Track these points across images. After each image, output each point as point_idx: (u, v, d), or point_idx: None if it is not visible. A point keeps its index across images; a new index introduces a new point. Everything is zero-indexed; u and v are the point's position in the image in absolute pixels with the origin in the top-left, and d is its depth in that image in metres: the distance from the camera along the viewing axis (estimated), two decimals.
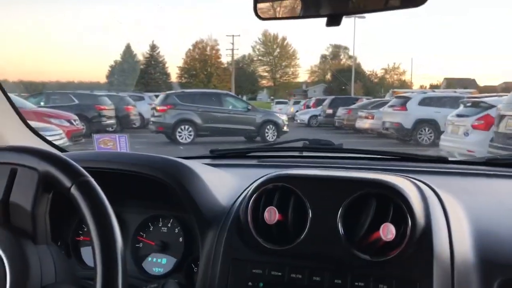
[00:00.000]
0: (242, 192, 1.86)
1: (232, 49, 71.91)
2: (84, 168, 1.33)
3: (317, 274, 1.52)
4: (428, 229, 1.49)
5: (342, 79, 66.32)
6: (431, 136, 15.61)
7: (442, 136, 11.28)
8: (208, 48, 75.19)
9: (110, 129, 17.08)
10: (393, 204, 1.52)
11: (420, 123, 15.72)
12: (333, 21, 1.51)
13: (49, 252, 1.31)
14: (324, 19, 1.54)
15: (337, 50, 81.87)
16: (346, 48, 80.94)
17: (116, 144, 2.88)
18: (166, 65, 69.89)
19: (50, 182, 1.30)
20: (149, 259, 1.97)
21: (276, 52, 79.03)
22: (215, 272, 1.62)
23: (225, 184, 1.93)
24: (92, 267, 1.20)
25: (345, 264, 1.50)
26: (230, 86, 70.01)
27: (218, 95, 17.50)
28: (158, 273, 1.94)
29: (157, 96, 18.84)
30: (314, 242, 1.54)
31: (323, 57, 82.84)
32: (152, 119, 16.52)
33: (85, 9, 73.67)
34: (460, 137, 10.34)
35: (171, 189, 1.77)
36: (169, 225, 1.99)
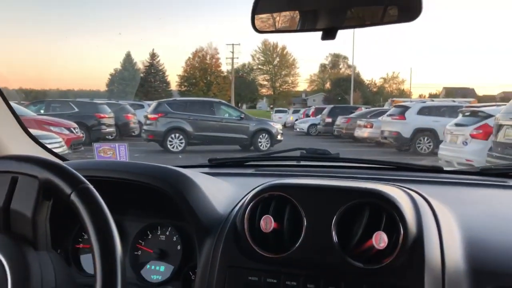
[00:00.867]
0: (240, 201, 1.86)
1: (232, 58, 71.24)
2: (84, 176, 1.33)
3: (312, 281, 1.53)
4: (419, 238, 1.51)
5: (340, 90, 66.06)
6: (429, 145, 15.53)
7: (441, 146, 11.20)
8: (208, 57, 74.61)
9: (110, 137, 16.98)
10: (386, 213, 1.54)
11: (419, 132, 15.65)
12: (328, 35, 1.54)
13: (49, 258, 1.31)
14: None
15: (336, 59, 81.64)
16: (345, 57, 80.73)
17: (116, 153, 2.88)
18: (166, 74, 69.40)
19: (50, 190, 1.31)
20: (148, 266, 1.97)
21: (276, 61, 78.45)
22: (212, 280, 1.63)
23: (223, 193, 1.94)
24: (92, 275, 1.20)
25: (339, 271, 1.51)
26: (230, 95, 69.41)
27: (211, 103, 17.17)
28: (156, 281, 1.94)
29: None
30: (309, 250, 1.55)
31: (323, 66, 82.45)
32: (144, 127, 16.33)
33: (87, 17, 73.75)
34: (458, 147, 10.29)
35: (169, 198, 1.78)
36: (167, 233, 2.00)
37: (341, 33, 1.56)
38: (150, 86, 65.93)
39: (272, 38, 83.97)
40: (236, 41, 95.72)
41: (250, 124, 16.40)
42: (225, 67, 78.84)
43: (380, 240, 1.49)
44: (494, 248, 1.50)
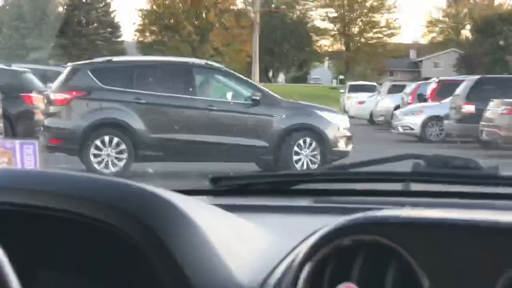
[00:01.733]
0: (285, 258, 1.30)
1: None
2: None
3: None
4: None
5: (496, 42, 37.20)
6: None
7: None
8: None
9: None
10: None
11: None
12: None
13: None
14: None
15: None
16: None
17: (16, 158, 2.25)
18: (112, 8, 54.99)
19: None
20: None
21: None
22: None
23: (248, 244, 1.34)
24: None
25: None
26: (249, 52, 58.33)
27: (187, 69, 12.15)
28: None
29: None
30: None
31: None
32: (45, 121, 12.08)
33: None
34: None
35: (136, 249, 1.21)
36: None
37: None
38: (79, 34, 53.16)
39: None
40: None
41: (275, 115, 11.85)
42: None
43: None
44: None
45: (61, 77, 12.31)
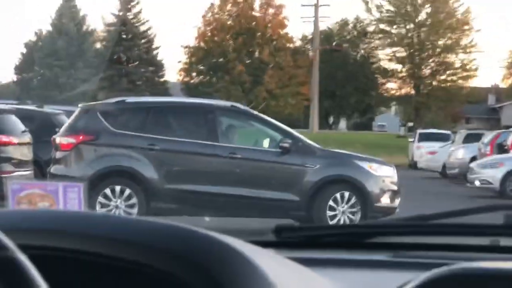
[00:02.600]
0: None
1: (316, 5, 59.03)
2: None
3: None
4: None
5: None
6: None
7: None
8: (257, 5, 62.10)
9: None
10: None
11: None
12: None
13: None
14: None
15: None
16: None
17: (58, 202, 2.28)
18: (156, 45, 55.48)
19: None
20: None
21: (424, 13, 61.59)
22: None
23: None
24: None
25: None
26: (307, 95, 58.32)
27: (210, 112, 12.12)
28: None
29: None
30: None
31: None
32: (51, 168, 11.99)
33: None
34: None
35: None
36: None
37: None
38: (119, 73, 53.37)
39: None
40: None
41: (308, 166, 11.79)
42: (296, 31, 64.35)
43: None
44: None
45: (70, 119, 12.44)
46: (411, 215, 2.44)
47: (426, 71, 62.51)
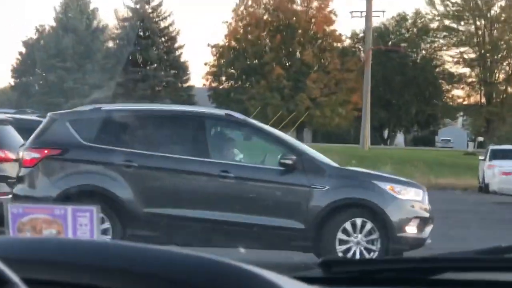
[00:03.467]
0: None
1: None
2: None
3: None
4: None
5: None
6: None
7: None
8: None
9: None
10: None
11: None
12: None
13: None
14: None
15: None
16: None
17: (67, 229, 2.39)
18: (178, 44, 52.90)
19: None
20: None
21: (497, 6, 60.52)
22: None
23: None
24: None
25: None
26: (357, 104, 57.41)
27: (200, 122, 12.65)
28: None
29: None
30: None
31: None
32: (14, 189, 12.52)
33: None
34: None
35: None
36: None
37: None
38: (134, 78, 52.57)
39: None
40: None
41: (316, 187, 12.06)
42: (345, 28, 64.71)
43: None
44: None
45: (36, 130, 12.58)
46: (483, 247, 2.55)
47: (500, 76, 62.47)
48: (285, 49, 63.99)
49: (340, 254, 11.83)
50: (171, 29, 60.44)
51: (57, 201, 11.63)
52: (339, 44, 66.59)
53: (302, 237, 11.87)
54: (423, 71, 68.46)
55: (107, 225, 11.75)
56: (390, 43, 70.04)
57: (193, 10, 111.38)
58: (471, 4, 62.55)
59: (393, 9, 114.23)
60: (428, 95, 68.09)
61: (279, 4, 63.73)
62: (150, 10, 58.91)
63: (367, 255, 11.86)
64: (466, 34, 64.05)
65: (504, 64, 62.20)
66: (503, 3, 62.17)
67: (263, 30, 63.59)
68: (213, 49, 63.90)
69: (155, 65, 59.16)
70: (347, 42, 71.09)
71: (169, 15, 60.48)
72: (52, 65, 52.45)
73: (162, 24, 59.73)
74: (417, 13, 71.28)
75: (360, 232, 11.99)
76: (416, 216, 12.17)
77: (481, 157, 37.19)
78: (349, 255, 11.84)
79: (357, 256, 11.80)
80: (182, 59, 62.28)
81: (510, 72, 61.92)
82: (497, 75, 62.17)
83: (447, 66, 67.43)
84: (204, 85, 65.68)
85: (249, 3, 65.35)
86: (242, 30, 63.76)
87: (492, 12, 62.84)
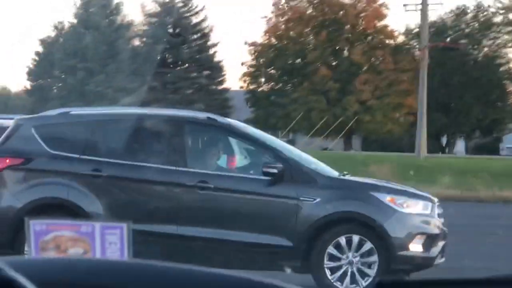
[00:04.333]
0: None
1: None
2: None
3: None
4: None
5: None
6: None
7: None
8: None
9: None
10: None
11: None
12: None
13: None
14: None
15: None
16: None
17: (95, 248, 2.50)
18: (212, 41, 53.45)
19: None
20: None
21: None
22: None
23: None
24: None
25: None
26: (412, 108, 57.35)
27: (178, 126, 12.86)
28: None
29: None
30: None
31: None
32: None
33: None
34: None
35: None
36: None
37: None
38: (163, 79, 52.84)
39: None
40: None
41: (305, 199, 12.20)
42: (398, 23, 65.54)
43: None
44: None
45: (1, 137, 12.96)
46: None
47: None
48: (331, 47, 64.16)
49: (328, 272, 11.96)
50: (204, 25, 61.23)
51: (19, 214, 11.83)
52: (391, 41, 66.64)
53: (289, 256, 11.96)
54: (485, 71, 68.18)
55: None
56: (448, 39, 69.76)
57: (228, 3, 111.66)
58: None
59: (451, 2, 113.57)
60: (492, 98, 67.81)
61: None
62: (180, 4, 59.67)
63: (360, 278, 11.95)
64: None
65: None
66: None
67: (306, 26, 63.97)
68: (251, 47, 64.36)
69: (186, 65, 59.75)
70: (401, 39, 70.94)
71: (201, 10, 61.36)
72: (72, 66, 53.04)
73: (194, 20, 60.62)
74: (479, 6, 71.12)
75: (356, 251, 12.03)
76: (421, 232, 12.19)
77: None
78: (336, 275, 11.92)
79: (349, 277, 11.90)
80: (216, 59, 63.12)
81: None
82: None
83: None
84: (241, 87, 66.18)
85: None
86: (283, 26, 64.23)
87: None
